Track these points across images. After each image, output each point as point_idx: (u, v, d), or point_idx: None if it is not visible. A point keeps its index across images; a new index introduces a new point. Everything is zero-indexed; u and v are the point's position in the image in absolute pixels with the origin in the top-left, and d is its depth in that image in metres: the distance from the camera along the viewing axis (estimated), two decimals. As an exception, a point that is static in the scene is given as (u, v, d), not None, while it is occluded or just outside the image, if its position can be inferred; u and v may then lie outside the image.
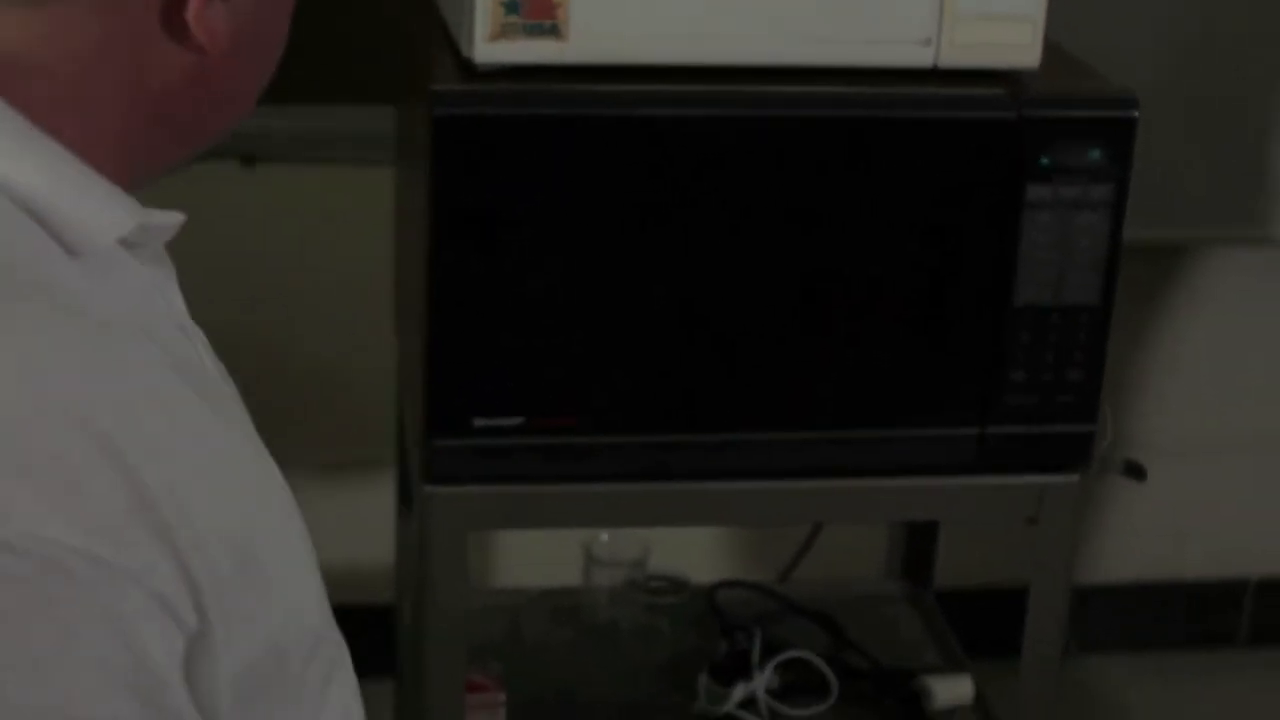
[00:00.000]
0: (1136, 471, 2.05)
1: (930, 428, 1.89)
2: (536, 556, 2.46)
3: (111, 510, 0.81)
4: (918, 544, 2.47)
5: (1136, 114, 1.83)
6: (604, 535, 2.33)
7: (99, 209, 0.93)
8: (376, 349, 2.40)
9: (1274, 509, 3.00)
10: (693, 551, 2.65)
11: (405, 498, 2.37)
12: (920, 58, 1.82)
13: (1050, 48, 1.83)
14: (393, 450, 2.37)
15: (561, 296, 1.79)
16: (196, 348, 1.02)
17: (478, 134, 1.72)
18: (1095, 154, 1.83)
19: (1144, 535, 2.91)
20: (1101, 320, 1.88)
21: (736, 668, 2.19)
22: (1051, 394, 1.89)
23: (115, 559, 0.80)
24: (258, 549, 0.89)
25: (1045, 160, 1.82)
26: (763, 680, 2.16)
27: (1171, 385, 2.77)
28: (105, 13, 0.91)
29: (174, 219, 1.00)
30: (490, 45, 1.73)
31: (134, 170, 0.98)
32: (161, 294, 1.02)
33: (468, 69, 1.76)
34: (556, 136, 1.74)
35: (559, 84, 1.75)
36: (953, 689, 2.20)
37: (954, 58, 1.82)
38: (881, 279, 1.85)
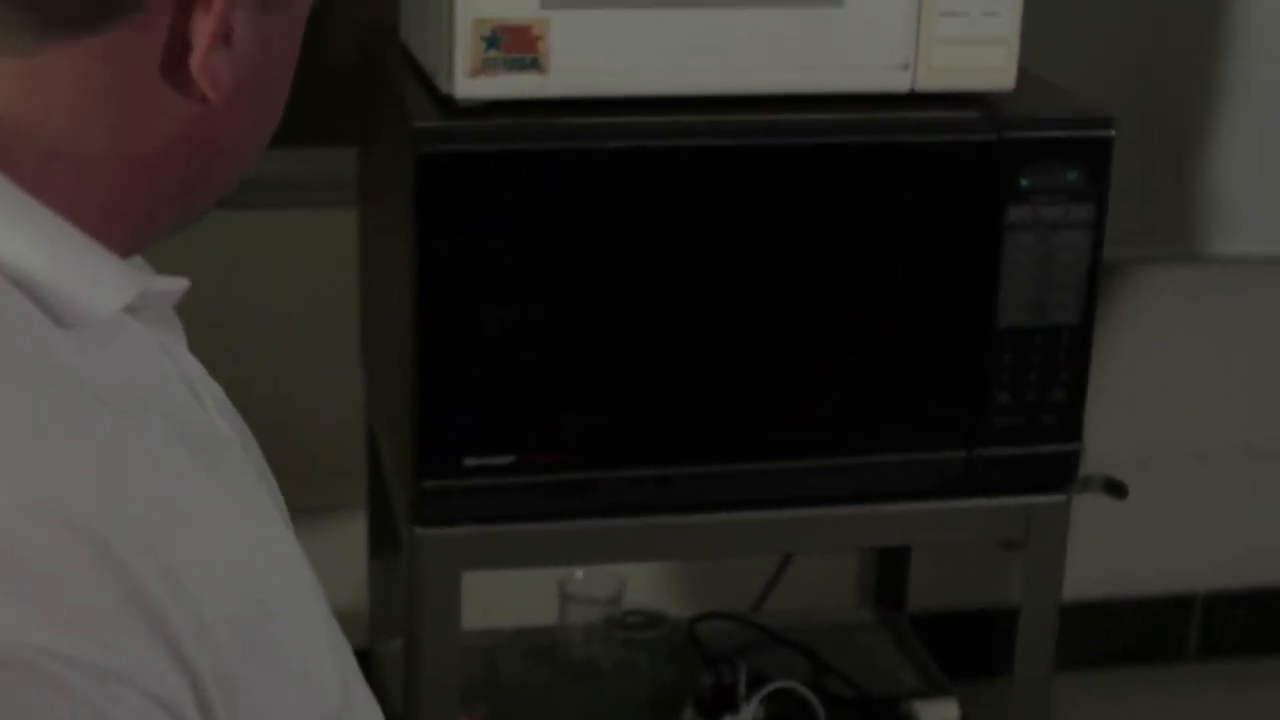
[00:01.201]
0: (1117, 489, 2.05)
1: (917, 452, 1.89)
2: (506, 596, 2.44)
3: (105, 612, 0.76)
4: (890, 569, 2.47)
5: (1113, 133, 1.84)
6: (579, 572, 2.31)
7: (95, 280, 0.87)
8: (341, 391, 2.37)
9: (1213, 522, 3.02)
10: (665, 584, 2.64)
11: (378, 540, 2.34)
12: (898, 82, 1.82)
13: (1019, 69, 1.84)
14: (363, 492, 2.34)
15: (548, 331, 1.77)
16: (207, 409, 0.98)
17: (462, 170, 1.71)
18: (1073, 174, 1.83)
19: (1087, 552, 2.93)
20: (1083, 339, 1.88)
21: (720, 701, 2.17)
22: (1036, 414, 1.89)
23: (106, 662, 0.75)
24: (270, 627, 0.85)
25: (1025, 181, 1.82)
26: (749, 712, 2.14)
27: (1105, 403, 2.79)
28: (101, 62, 0.86)
29: (177, 285, 0.96)
30: (471, 81, 1.72)
31: (135, 231, 0.92)
32: (168, 354, 0.97)
33: (446, 105, 1.74)
34: (540, 170, 1.73)
35: (540, 118, 1.73)
36: (939, 713, 2.19)
37: (931, 82, 1.82)
38: (864, 305, 1.85)
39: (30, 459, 0.78)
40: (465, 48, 1.71)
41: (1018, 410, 1.88)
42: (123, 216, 0.91)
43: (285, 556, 0.91)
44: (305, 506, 2.61)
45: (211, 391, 1.02)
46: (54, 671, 0.74)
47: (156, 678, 0.77)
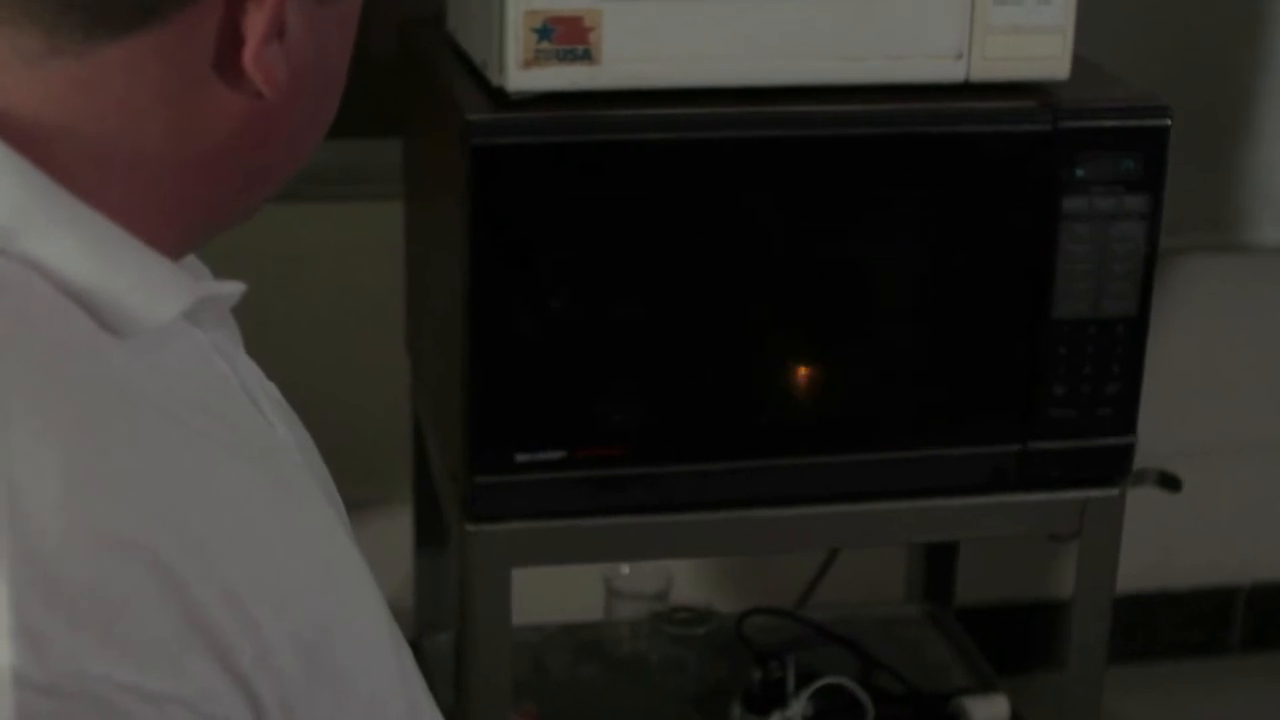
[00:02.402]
0: (1171, 483, 2.04)
1: (970, 446, 1.87)
2: (552, 592, 2.43)
3: (163, 638, 0.75)
4: (938, 563, 2.45)
5: (1169, 122, 1.82)
6: (625, 568, 2.30)
7: (149, 289, 0.85)
8: (387, 386, 2.36)
9: (1259, 514, 3.00)
10: (711, 579, 2.63)
11: (425, 533, 2.33)
12: (952, 72, 1.80)
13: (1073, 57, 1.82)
14: (409, 485, 2.33)
15: (600, 324, 1.76)
16: (264, 413, 0.97)
17: (516, 163, 1.69)
18: (1129, 163, 1.81)
19: (1129, 545, 2.91)
20: (1139, 331, 1.86)
21: (769, 697, 2.15)
22: (1091, 407, 1.87)
23: (171, 690, 0.74)
24: (333, 642, 0.84)
25: (1080, 171, 1.80)
26: (798, 708, 2.13)
27: (1150, 393, 2.77)
28: (154, 60, 0.84)
29: (233, 289, 0.94)
30: (523, 72, 1.70)
31: (190, 231, 0.91)
32: (224, 358, 0.95)
33: (498, 97, 1.73)
34: (594, 162, 1.72)
35: (591, 109, 1.72)
36: (989, 709, 2.17)
37: (985, 71, 1.80)
38: (917, 298, 1.83)
39: (85, 480, 0.76)
40: (517, 39, 1.69)
41: (1072, 403, 1.86)
42: (178, 217, 0.89)
43: (347, 569, 0.89)
44: (351, 500, 2.60)
45: (269, 394, 1.00)
46: (113, 699, 0.73)
47: (220, 703, 0.76)
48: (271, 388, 1.03)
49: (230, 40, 0.85)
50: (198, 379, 0.91)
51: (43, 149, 0.83)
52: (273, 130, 0.90)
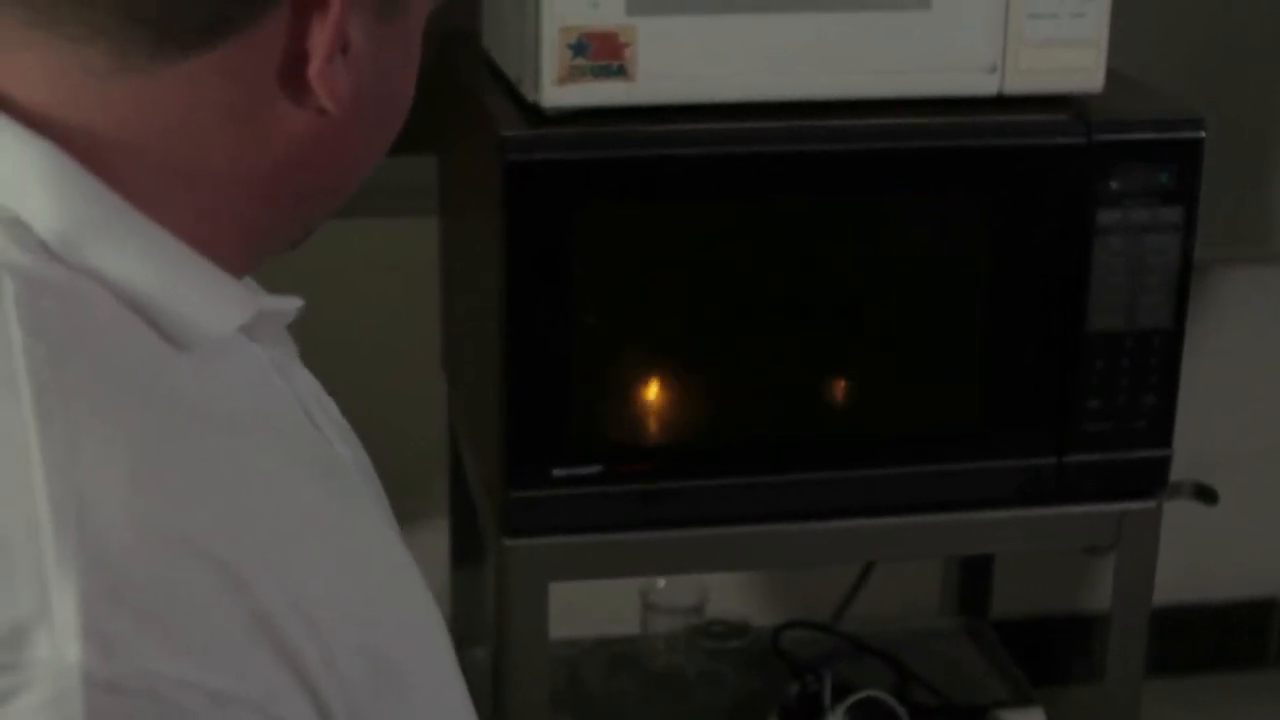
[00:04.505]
0: (1207, 495, 2.03)
1: (1007, 459, 1.87)
2: (588, 605, 2.43)
3: (229, 637, 0.75)
4: (974, 576, 2.45)
5: (1204, 134, 1.82)
6: (661, 582, 2.30)
7: (210, 301, 0.86)
8: (424, 400, 2.37)
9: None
10: (747, 593, 2.63)
11: (461, 547, 2.34)
12: (986, 85, 1.80)
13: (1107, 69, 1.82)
14: (445, 499, 2.34)
15: (637, 340, 1.76)
16: (323, 430, 0.97)
17: (551, 179, 1.70)
18: (1164, 176, 1.81)
19: (1166, 557, 2.90)
20: (1174, 343, 1.86)
21: (806, 710, 2.16)
22: (1127, 419, 1.87)
23: (236, 690, 0.74)
24: (396, 653, 0.84)
25: (1115, 184, 1.80)
26: (835, 721, 2.13)
27: (1185, 405, 2.76)
28: (219, 76, 0.84)
29: (290, 304, 0.94)
30: (558, 89, 1.71)
31: (254, 247, 0.91)
32: (282, 374, 0.96)
33: (532, 113, 1.73)
34: (629, 178, 1.72)
35: (626, 125, 1.72)
36: (1026, 722, 2.17)
37: (1020, 84, 1.80)
38: (953, 311, 1.83)
39: (151, 485, 0.77)
40: (552, 55, 1.70)
41: (1109, 415, 1.86)
42: (240, 233, 0.89)
43: (409, 584, 0.90)
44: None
45: (327, 411, 1.00)
46: (179, 698, 0.73)
47: (288, 705, 0.76)
48: (330, 404, 1.03)
49: (295, 57, 0.85)
50: (256, 393, 0.91)
51: (107, 163, 0.84)
52: (335, 147, 0.90)
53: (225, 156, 0.87)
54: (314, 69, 0.85)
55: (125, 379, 0.81)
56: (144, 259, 0.84)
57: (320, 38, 0.84)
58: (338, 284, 2.50)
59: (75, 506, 0.74)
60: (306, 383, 0.98)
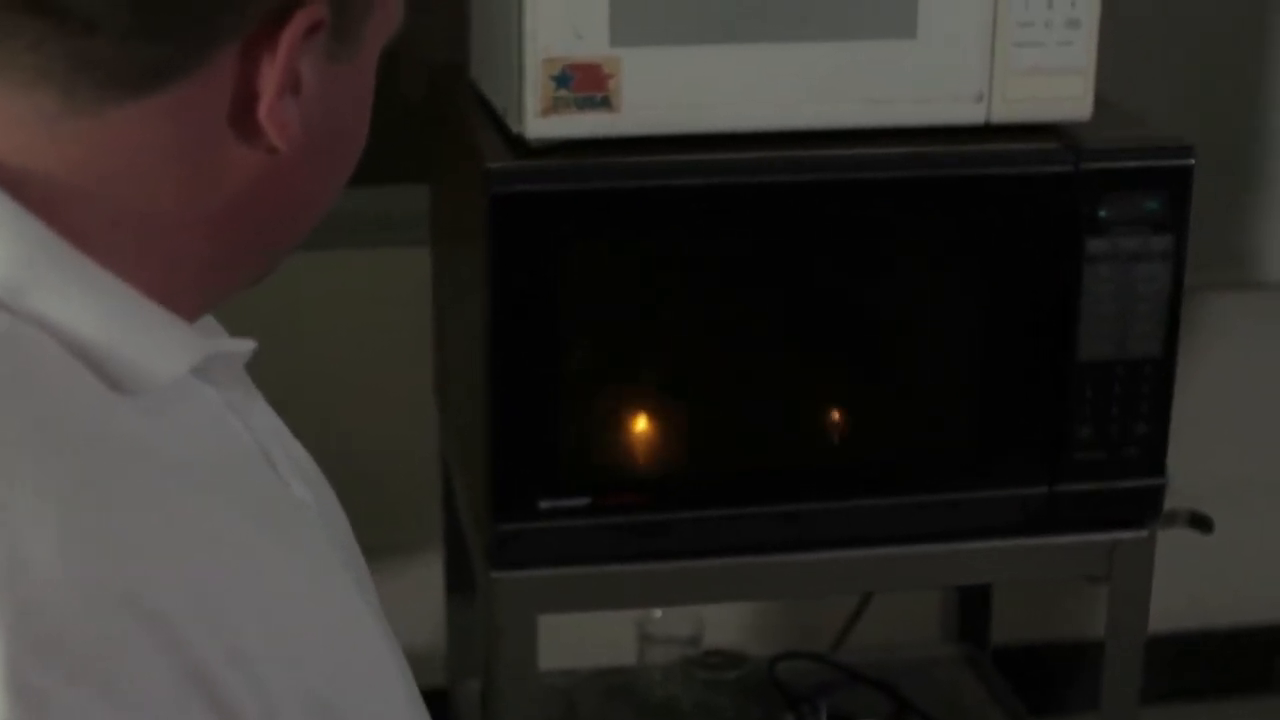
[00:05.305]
0: (1202, 523, 2.02)
1: (998, 488, 1.86)
2: (584, 636, 2.43)
3: (162, 693, 0.74)
4: (973, 604, 2.44)
5: (1193, 162, 1.81)
6: (657, 612, 2.29)
7: (156, 345, 0.85)
8: (416, 429, 2.37)
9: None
10: (744, 623, 2.62)
11: (455, 578, 2.33)
12: (973, 114, 1.80)
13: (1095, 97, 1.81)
14: (439, 530, 2.33)
15: (623, 371, 1.76)
16: (281, 473, 0.96)
17: (534, 211, 1.70)
18: (1153, 204, 1.80)
19: (1170, 584, 2.88)
20: (1166, 371, 1.85)
21: (802, 741, 2.15)
22: (1119, 448, 1.86)
23: None
24: (342, 699, 0.83)
25: (1103, 212, 1.79)
26: (830, 752, 2.12)
27: (1182, 432, 2.75)
28: (168, 118, 0.84)
29: (243, 346, 0.94)
30: (542, 120, 1.71)
31: (210, 286, 0.91)
32: (239, 416, 0.95)
33: (518, 145, 1.73)
34: (614, 209, 1.72)
35: (610, 156, 1.72)
36: (1023, 752, 2.16)
37: (1007, 113, 1.80)
38: (942, 341, 1.83)
39: (85, 536, 0.76)
40: (536, 87, 1.70)
41: (1100, 444, 1.85)
42: (195, 273, 0.89)
43: (361, 630, 0.89)
44: (382, 544, 2.60)
45: (291, 453, 1.00)
46: None
47: None
48: (296, 446, 1.02)
49: (245, 96, 0.85)
50: (208, 436, 0.90)
51: (55, 207, 0.83)
52: (287, 186, 0.90)
53: (176, 197, 0.86)
54: (264, 108, 0.85)
55: (66, 427, 0.80)
56: (89, 304, 0.84)
57: (270, 77, 0.84)
58: (333, 313, 2.50)
59: (6, 558, 0.74)
60: (266, 423, 0.98)
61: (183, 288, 0.88)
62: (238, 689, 0.76)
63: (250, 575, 0.82)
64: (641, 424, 1.78)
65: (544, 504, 1.76)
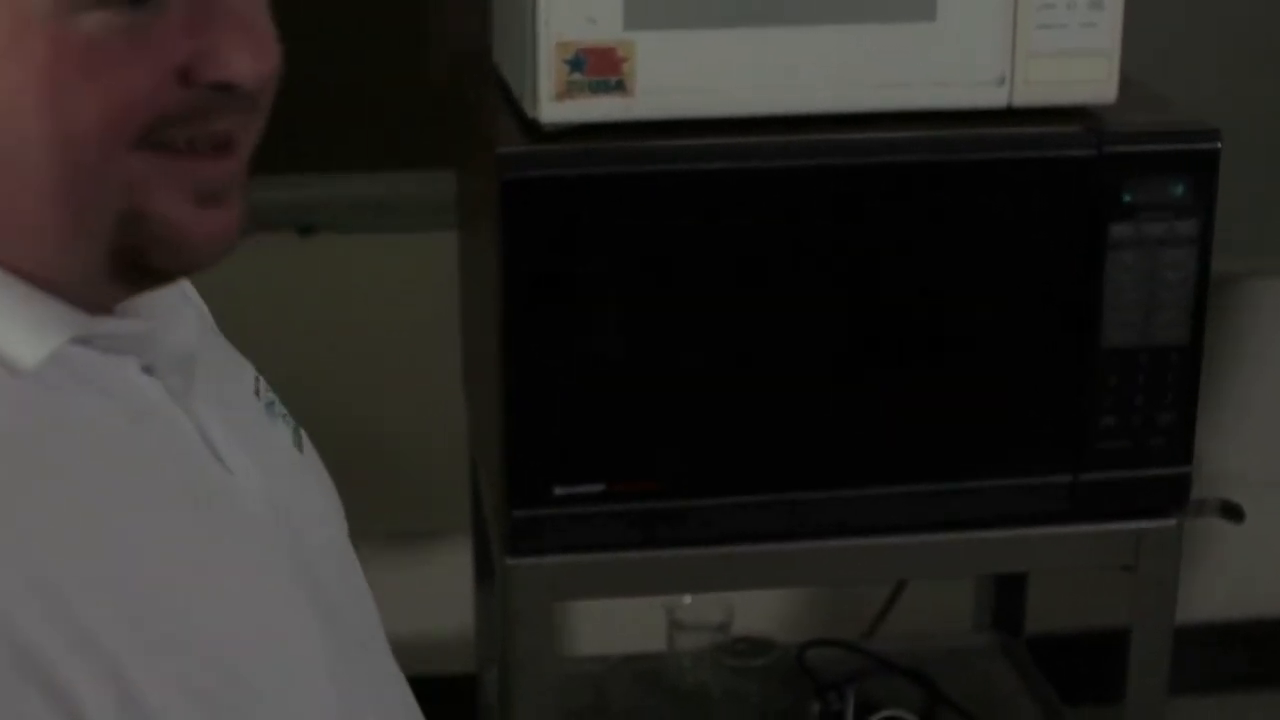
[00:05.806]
0: (1233, 513, 1.99)
1: (1022, 477, 1.84)
2: (614, 622, 2.42)
3: (51, 653, 0.77)
4: (1007, 593, 2.41)
5: (1219, 145, 1.78)
6: (687, 599, 2.28)
7: (20, 330, 0.86)
8: (446, 415, 2.36)
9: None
10: (775, 611, 2.60)
11: (482, 565, 2.33)
12: (994, 98, 1.77)
13: (1120, 78, 1.78)
14: (467, 516, 2.33)
15: (638, 357, 1.75)
16: (222, 459, 0.95)
17: (547, 196, 1.69)
18: (1178, 189, 1.78)
19: (1201, 572, 2.85)
20: (1192, 360, 1.82)
21: (829, 729, 2.13)
22: (1144, 437, 1.83)
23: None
24: (234, 696, 0.84)
25: (1127, 197, 1.77)
26: (857, 741, 2.10)
27: (1216, 420, 2.72)
28: None
29: (126, 327, 0.92)
30: (556, 104, 1.70)
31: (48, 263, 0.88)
32: (180, 402, 0.94)
33: (532, 129, 1.72)
34: (627, 194, 1.71)
35: (625, 141, 1.71)
36: (1052, 742, 2.14)
37: (1029, 96, 1.77)
38: (965, 327, 1.80)
39: None
40: (549, 71, 1.69)
41: (1125, 433, 1.83)
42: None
43: (282, 624, 0.89)
44: (413, 532, 2.62)
45: (249, 440, 0.98)
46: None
47: (102, 712, 0.77)
48: (278, 435, 1.01)
49: None
50: (117, 422, 0.89)
51: None
52: None
53: None
54: None
55: None
56: None
57: None
58: (362, 300, 2.50)
59: None
60: (217, 412, 0.97)
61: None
62: (81, 676, 0.77)
63: (121, 561, 0.82)
64: (656, 410, 1.76)
65: (559, 490, 1.75)
